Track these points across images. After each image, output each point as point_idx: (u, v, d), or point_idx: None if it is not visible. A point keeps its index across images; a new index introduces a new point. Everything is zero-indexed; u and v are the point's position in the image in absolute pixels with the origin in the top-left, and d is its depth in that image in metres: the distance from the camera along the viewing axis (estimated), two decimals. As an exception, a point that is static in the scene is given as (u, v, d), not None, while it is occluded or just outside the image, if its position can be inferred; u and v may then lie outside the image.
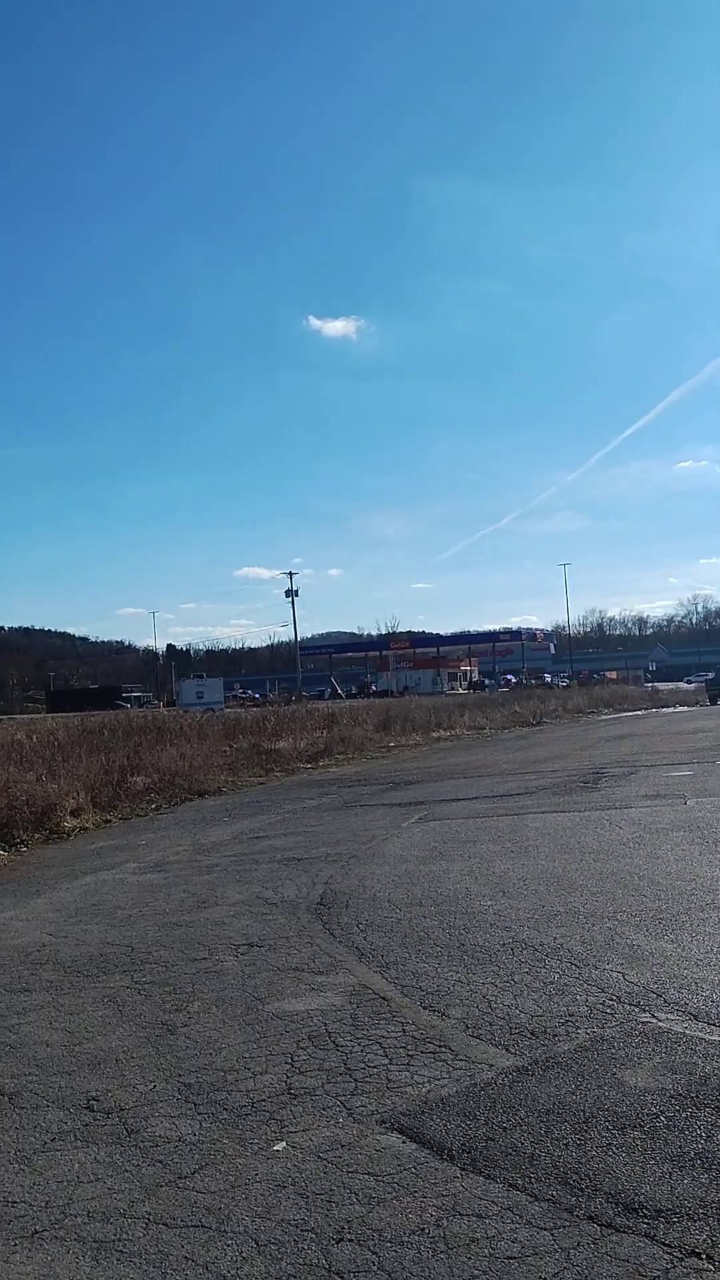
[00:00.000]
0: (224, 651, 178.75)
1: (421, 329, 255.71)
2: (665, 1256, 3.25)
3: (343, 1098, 4.75)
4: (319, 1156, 4.19)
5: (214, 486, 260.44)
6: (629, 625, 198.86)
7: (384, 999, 6.16)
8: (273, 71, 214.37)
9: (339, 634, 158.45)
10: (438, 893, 8.99)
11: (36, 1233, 3.79)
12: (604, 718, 45.19)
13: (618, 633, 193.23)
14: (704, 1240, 3.31)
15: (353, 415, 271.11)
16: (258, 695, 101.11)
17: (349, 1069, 5.09)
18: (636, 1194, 3.64)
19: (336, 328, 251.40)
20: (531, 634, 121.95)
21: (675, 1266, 3.19)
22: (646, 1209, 3.54)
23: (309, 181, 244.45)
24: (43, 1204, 4.00)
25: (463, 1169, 3.97)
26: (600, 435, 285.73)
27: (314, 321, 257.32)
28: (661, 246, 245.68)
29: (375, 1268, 3.35)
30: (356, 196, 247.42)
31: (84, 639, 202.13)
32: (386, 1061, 5.14)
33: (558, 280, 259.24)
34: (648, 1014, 5.49)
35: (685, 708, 49.94)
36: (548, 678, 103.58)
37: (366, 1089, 4.82)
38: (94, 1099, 5.02)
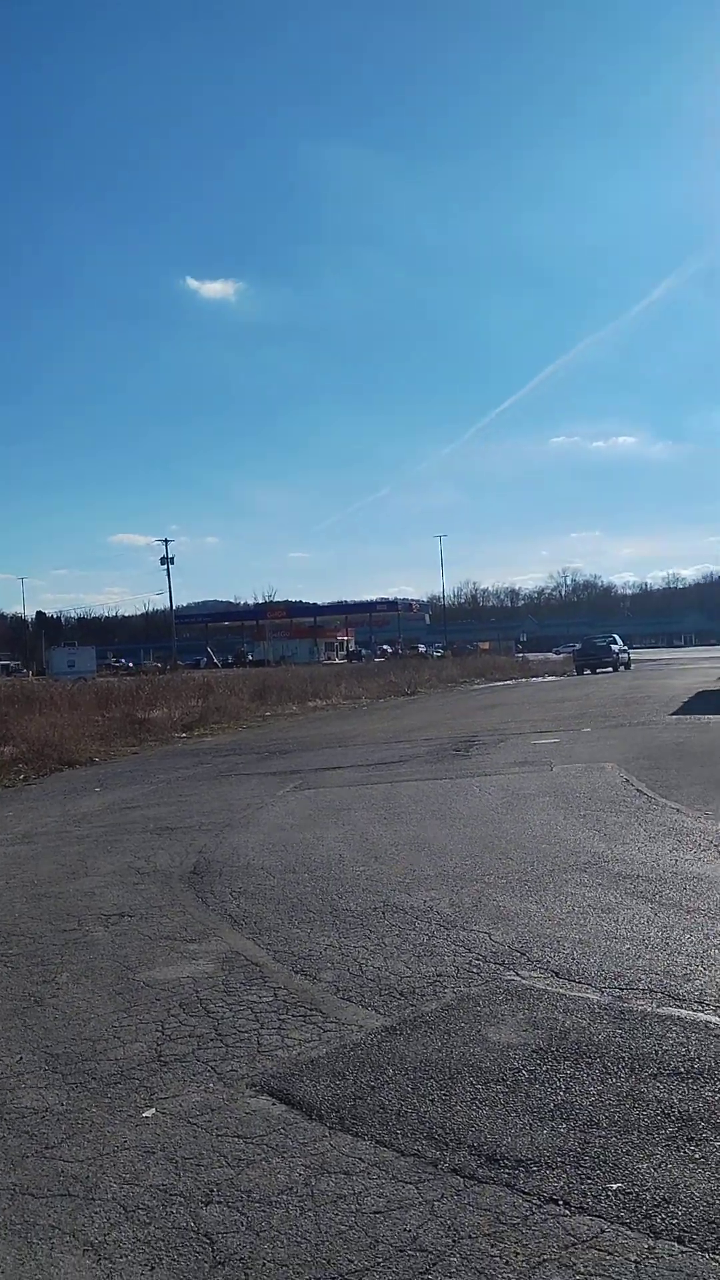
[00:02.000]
0: (97, 619, 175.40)
1: (303, 298, 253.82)
2: (525, 1204, 3.37)
3: (213, 1063, 4.76)
4: (188, 1122, 4.20)
5: (87, 450, 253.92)
6: (502, 597, 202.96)
7: (256, 965, 6.19)
8: (161, 32, 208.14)
9: (215, 603, 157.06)
10: (311, 859, 9.06)
11: None
12: (476, 687, 46.06)
13: (491, 604, 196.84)
14: (561, 1187, 3.45)
15: (231, 381, 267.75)
16: (132, 664, 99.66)
17: (220, 1034, 5.11)
18: (498, 1146, 3.76)
19: (215, 289, 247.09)
20: (407, 605, 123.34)
21: (534, 1213, 3.31)
22: (507, 1160, 3.66)
23: (197, 143, 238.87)
24: None
25: (331, 1128, 4.04)
26: (477, 411, 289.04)
27: (192, 282, 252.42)
28: (542, 226, 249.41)
29: (244, 1228, 3.39)
30: (243, 159, 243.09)
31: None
32: (258, 1026, 5.17)
33: (441, 258, 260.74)
34: (512, 972, 5.66)
35: (554, 677, 51.28)
36: (423, 648, 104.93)
37: (237, 1054, 4.85)
38: (-43, 1073, 4.91)
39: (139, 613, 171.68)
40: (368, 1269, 3.11)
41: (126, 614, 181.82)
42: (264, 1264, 3.18)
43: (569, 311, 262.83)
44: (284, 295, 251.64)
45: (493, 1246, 3.16)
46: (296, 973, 5.99)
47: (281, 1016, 5.29)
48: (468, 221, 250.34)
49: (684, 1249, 3.05)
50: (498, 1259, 3.09)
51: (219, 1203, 3.56)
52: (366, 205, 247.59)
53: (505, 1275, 3.01)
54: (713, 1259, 3.00)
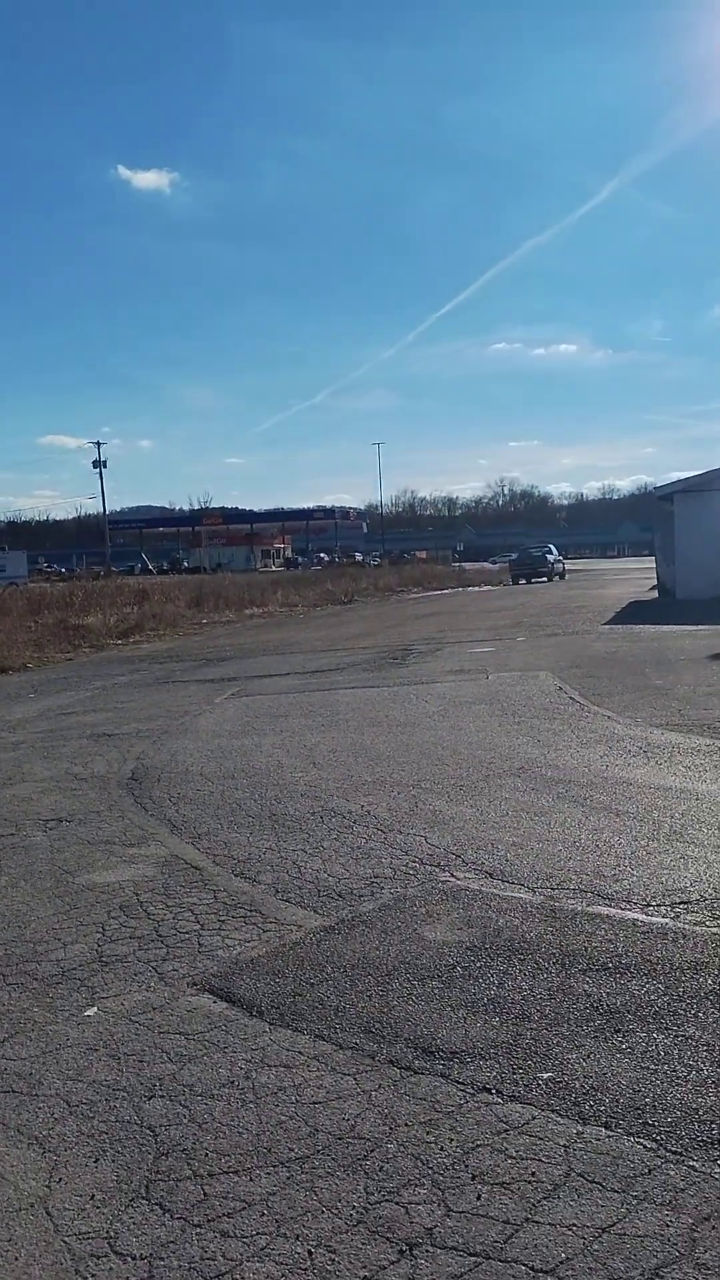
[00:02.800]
0: (26, 524, 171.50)
1: (236, 187, 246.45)
2: (459, 1093, 3.50)
3: (154, 963, 4.83)
4: (130, 1020, 4.27)
5: (14, 348, 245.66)
6: (439, 506, 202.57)
7: (196, 868, 6.26)
8: None
9: (150, 508, 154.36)
10: (250, 766, 9.12)
11: None
12: (413, 596, 46.25)
13: (429, 513, 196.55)
14: (494, 1077, 3.58)
15: (165, 277, 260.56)
16: (64, 569, 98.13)
17: (161, 936, 5.17)
18: (434, 1039, 3.89)
19: (148, 179, 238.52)
20: (345, 513, 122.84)
21: (468, 1101, 3.45)
22: (443, 1052, 3.79)
23: (123, 20, 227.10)
24: None
25: (271, 1024, 4.13)
26: (417, 312, 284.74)
27: (124, 171, 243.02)
28: (483, 116, 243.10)
29: (186, 1120, 3.48)
30: (172, 39, 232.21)
31: None
32: (198, 927, 5.25)
33: (377, 144, 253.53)
34: (447, 874, 5.80)
35: (490, 587, 51.64)
36: (360, 557, 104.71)
37: (178, 954, 4.92)
38: None
39: (71, 517, 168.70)
40: (307, 1156, 3.22)
41: (58, 518, 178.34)
42: (206, 1154, 3.27)
43: (513, 211, 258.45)
44: (220, 187, 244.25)
45: (428, 1134, 3.28)
46: (236, 876, 6.06)
47: (221, 918, 5.37)
48: (410, 110, 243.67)
49: (610, 1134, 3.20)
50: (433, 1145, 3.22)
51: (161, 1096, 3.65)
52: (307, 91, 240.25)
53: (440, 1160, 3.14)
54: (637, 1142, 3.15)
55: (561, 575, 54.20)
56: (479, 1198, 2.96)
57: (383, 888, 5.65)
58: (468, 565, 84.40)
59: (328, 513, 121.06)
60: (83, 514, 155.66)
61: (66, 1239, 2.92)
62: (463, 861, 6.00)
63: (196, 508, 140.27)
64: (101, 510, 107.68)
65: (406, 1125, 3.34)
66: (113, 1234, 2.92)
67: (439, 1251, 2.74)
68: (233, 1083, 3.70)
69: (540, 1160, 3.10)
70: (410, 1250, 2.77)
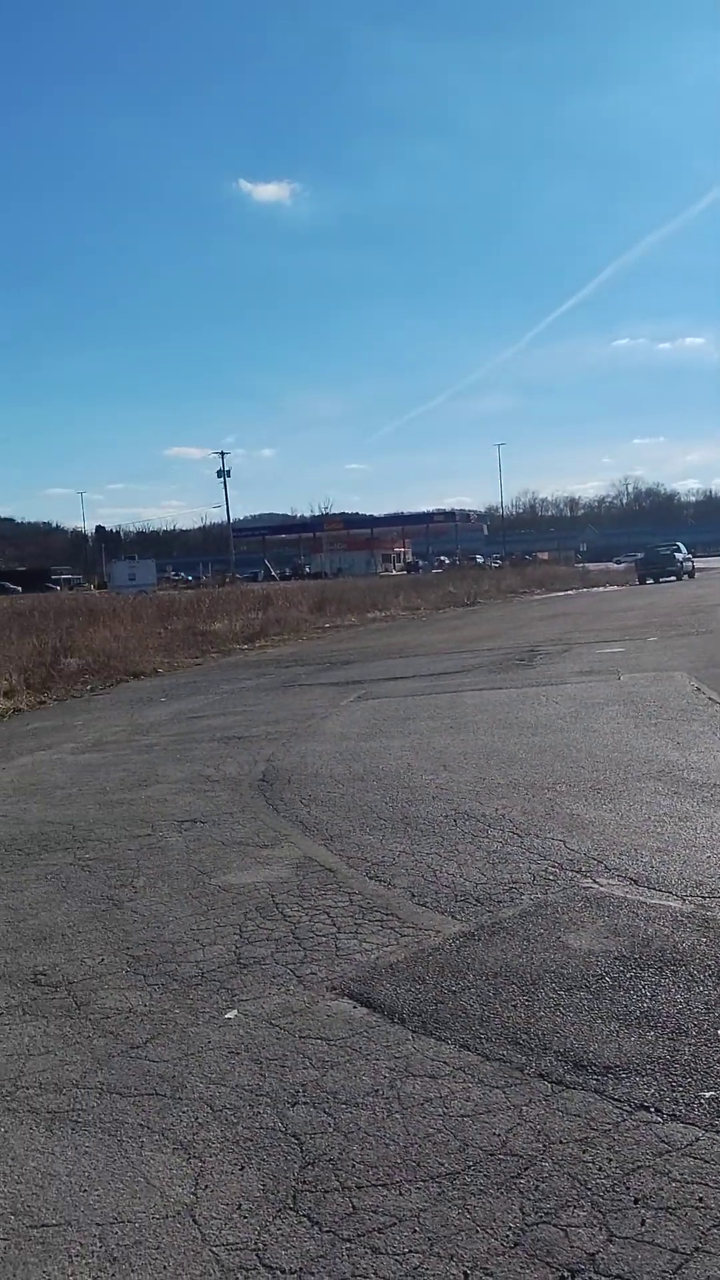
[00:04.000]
0: (155, 533, 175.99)
1: (356, 195, 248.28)
2: (616, 1110, 3.33)
3: (292, 966, 4.77)
4: (271, 1023, 4.21)
5: (142, 361, 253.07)
6: (561, 506, 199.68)
7: (330, 870, 6.19)
8: None
9: (272, 515, 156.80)
10: (379, 768, 9.03)
11: (-12, 1105, 3.77)
12: (537, 597, 45.62)
13: (550, 514, 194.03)
14: (652, 1095, 3.39)
15: (285, 287, 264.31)
16: (190, 577, 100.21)
17: (298, 938, 5.12)
18: (585, 1052, 3.72)
19: (269, 191, 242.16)
20: (465, 515, 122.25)
21: (626, 1120, 3.27)
22: (595, 1066, 3.62)
23: (241, 32, 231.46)
24: (-7, 1077, 3.98)
25: (414, 1031, 4.02)
26: (537, 311, 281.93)
27: (245, 185, 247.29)
28: (601, 108, 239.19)
29: (331, 1129, 3.39)
30: (291, 50, 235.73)
31: (9, 520, 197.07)
32: (335, 930, 5.17)
33: (494, 143, 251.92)
34: (589, 880, 5.59)
35: (615, 587, 50.55)
36: (481, 559, 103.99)
37: (316, 957, 4.85)
38: (41, 973, 4.99)
39: (196, 526, 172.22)
40: (458, 1172, 3.09)
41: (184, 527, 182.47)
42: (354, 1165, 3.18)
43: (634, 204, 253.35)
44: (339, 195, 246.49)
45: (585, 1153, 3.12)
46: (370, 879, 5.98)
47: (357, 921, 5.28)
48: (527, 107, 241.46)
49: (784, 1158, 2.99)
50: (591, 1165, 3.05)
51: (305, 1104, 3.57)
52: (423, 94, 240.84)
53: (599, 1181, 2.97)
54: None
55: (691, 574, 52.68)
56: (643, 1223, 2.78)
57: (522, 893, 5.48)
58: (591, 566, 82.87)
59: (447, 516, 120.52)
60: (208, 523, 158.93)
61: (214, 1249, 2.85)
62: (605, 867, 5.78)
63: (317, 514, 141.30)
64: (226, 519, 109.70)
65: (561, 1143, 3.18)
66: (261, 1246, 2.85)
67: (602, 1279, 2.59)
68: (377, 1091, 3.60)
69: (708, 1185, 2.91)
70: (572, 1277, 2.62)
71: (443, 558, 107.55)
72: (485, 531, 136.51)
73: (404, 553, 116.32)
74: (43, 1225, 3.04)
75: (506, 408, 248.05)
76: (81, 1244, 2.93)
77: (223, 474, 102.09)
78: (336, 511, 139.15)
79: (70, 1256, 2.88)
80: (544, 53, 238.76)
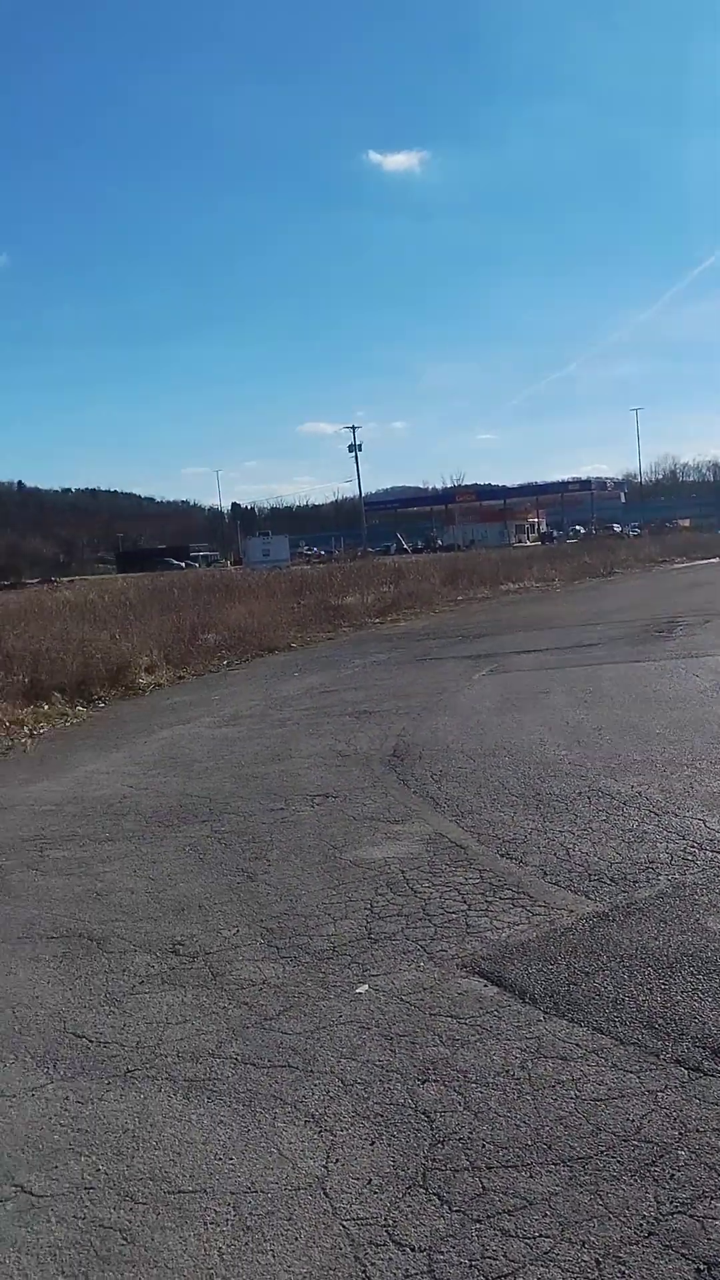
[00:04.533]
0: (288, 509, 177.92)
1: (488, 161, 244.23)
2: (756, 1100, 3.22)
3: (423, 942, 4.78)
4: (401, 999, 4.23)
5: (274, 339, 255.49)
6: (704, 472, 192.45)
7: (460, 847, 6.17)
8: None
9: (404, 488, 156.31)
10: (511, 743, 8.94)
11: (129, 1072, 3.90)
12: (677, 567, 44.33)
13: (691, 479, 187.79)
14: None
15: (416, 258, 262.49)
16: (323, 552, 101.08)
17: (428, 914, 5.11)
18: (724, 1038, 3.61)
19: (399, 162, 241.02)
20: (601, 483, 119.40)
21: (767, 1110, 3.16)
22: (735, 1053, 3.51)
23: (363, 3, 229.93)
24: (134, 1044, 4.11)
25: (546, 1012, 3.97)
26: (676, 269, 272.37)
27: (374, 156, 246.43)
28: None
29: (461, 1108, 3.38)
30: (417, 15, 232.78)
31: (150, 499, 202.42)
32: (465, 907, 5.15)
33: (625, 99, 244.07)
34: (730, 861, 5.41)
35: (760, 555, 48.74)
36: (618, 528, 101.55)
37: (446, 934, 4.84)
38: (179, 943, 5.13)
39: (329, 501, 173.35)
40: (590, 1156, 3.04)
41: (317, 503, 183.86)
42: (484, 1145, 3.16)
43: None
44: (470, 161, 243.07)
45: (724, 1143, 3.03)
46: (501, 856, 5.93)
47: (488, 899, 5.25)
48: (662, 59, 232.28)
49: None
50: (730, 1156, 2.96)
51: (436, 1081, 3.57)
52: (551, 51, 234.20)
53: (739, 1173, 2.88)
54: None
55: None
56: (785, 1220, 2.68)
57: (659, 874, 5.34)
58: (735, 532, 79.97)
59: (583, 484, 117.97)
60: (340, 497, 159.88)
61: (345, 1223, 2.89)
62: (746, 847, 5.59)
63: (449, 486, 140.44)
64: (358, 493, 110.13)
65: (698, 1131, 3.10)
66: (391, 1222, 2.87)
67: (743, 1277, 2.50)
68: (508, 1071, 3.57)
69: None
70: (709, 1270, 2.55)
71: (578, 527, 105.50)
72: (623, 499, 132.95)
73: (538, 523, 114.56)
74: (179, 1191, 3.13)
75: (645, 371, 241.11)
76: (217, 1212, 3.01)
77: (354, 448, 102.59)
78: (468, 483, 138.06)
79: (205, 1224, 2.96)
80: (671, 4, 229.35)
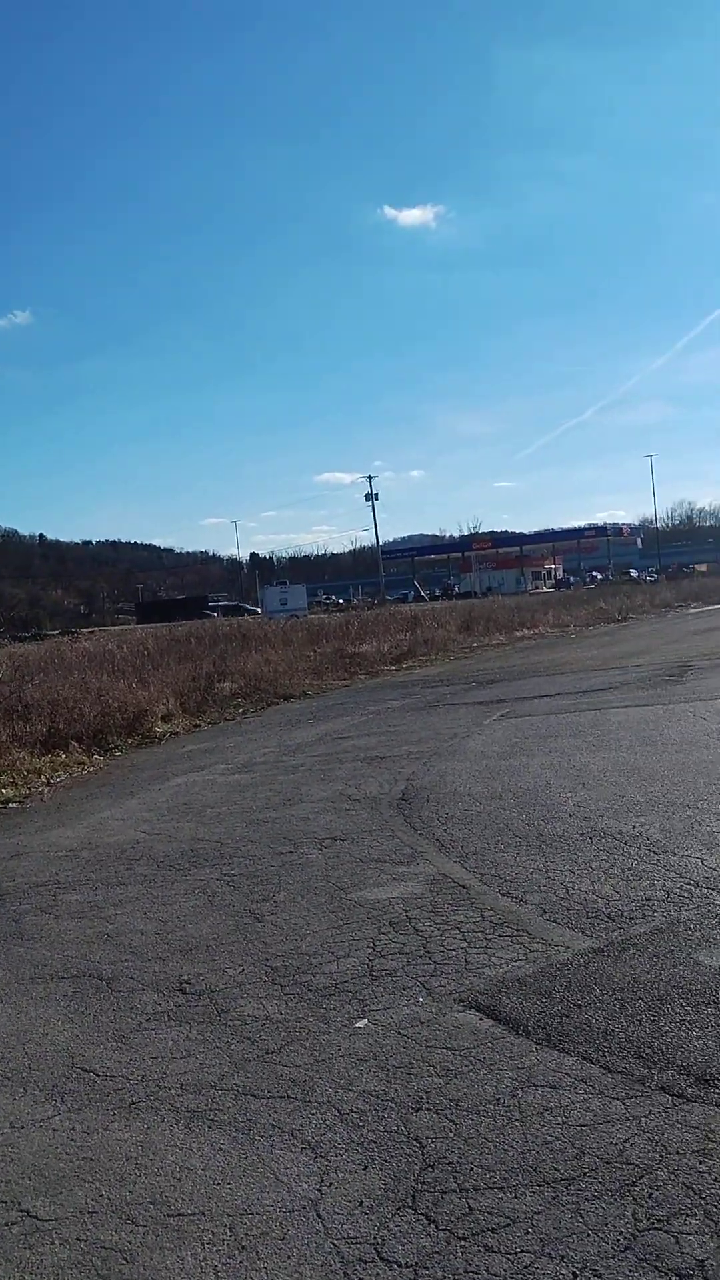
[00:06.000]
0: (306, 558, 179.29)
1: (502, 213, 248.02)
2: (735, 1123, 3.32)
3: (422, 978, 4.90)
4: (399, 1033, 4.35)
5: (292, 392, 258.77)
6: None
7: (463, 887, 6.29)
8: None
9: (421, 536, 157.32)
10: (517, 786, 9.06)
11: (134, 1104, 4.03)
12: (692, 611, 44.35)
13: (709, 524, 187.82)
14: (774, 1108, 3.37)
15: (431, 310, 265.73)
16: (341, 600, 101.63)
17: (429, 952, 5.23)
18: (709, 1067, 3.71)
19: (414, 216, 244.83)
20: (617, 529, 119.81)
21: (744, 1132, 3.26)
22: (719, 1081, 3.61)
23: (379, 56, 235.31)
24: (139, 1078, 4.24)
25: (538, 1044, 4.09)
26: (690, 317, 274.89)
27: (390, 211, 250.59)
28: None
29: (452, 1134, 3.50)
30: (432, 71, 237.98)
31: (169, 550, 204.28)
32: (465, 945, 5.27)
33: (647, 151, 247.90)
34: (726, 898, 5.51)
35: (777, 599, 48.69)
36: (634, 573, 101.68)
37: (445, 970, 4.96)
38: (186, 982, 5.26)
39: (346, 550, 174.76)
40: (574, 1178, 3.15)
41: (335, 551, 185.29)
42: (472, 1169, 3.28)
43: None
44: (484, 214, 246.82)
45: (701, 1164, 3.14)
46: (503, 895, 6.04)
47: (488, 936, 5.36)
48: (678, 111, 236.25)
49: None
50: (706, 1174, 3.07)
51: (429, 1110, 3.69)
52: (571, 106, 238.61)
53: (714, 1191, 2.99)
54: None
55: None
56: (757, 1235, 2.79)
57: (655, 910, 5.45)
58: (751, 577, 79.91)
59: (599, 530, 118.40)
60: (358, 546, 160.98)
61: (336, 1242, 3.00)
62: (742, 884, 5.69)
63: (466, 533, 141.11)
64: (375, 541, 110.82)
65: (678, 1154, 3.21)
66: (380, 1240, 2.98)
67: (712, 1288, 2.61)
68: (499, 1100, 3.69)
69: None
70: (681, 1284, 2.65)
71: (595, 573, 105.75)
72: (639, 545, 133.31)
73: (554, 569, 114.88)
74: (178, 1214, 3.25)
75: (660, 418, 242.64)
76: (213, 1233, 3.13)
77: (371, 497, 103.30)
78: (485, 530, 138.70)
79: (203, 1244, 3.08)
80: (694, 57, 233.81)
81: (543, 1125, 3.48)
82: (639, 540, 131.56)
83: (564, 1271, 2.75)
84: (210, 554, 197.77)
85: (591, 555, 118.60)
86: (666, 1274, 2.68)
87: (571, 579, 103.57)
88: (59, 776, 13.22)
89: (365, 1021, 4.51)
